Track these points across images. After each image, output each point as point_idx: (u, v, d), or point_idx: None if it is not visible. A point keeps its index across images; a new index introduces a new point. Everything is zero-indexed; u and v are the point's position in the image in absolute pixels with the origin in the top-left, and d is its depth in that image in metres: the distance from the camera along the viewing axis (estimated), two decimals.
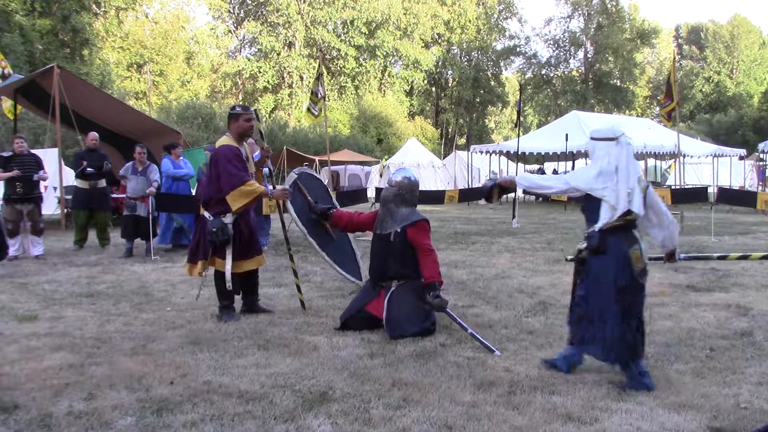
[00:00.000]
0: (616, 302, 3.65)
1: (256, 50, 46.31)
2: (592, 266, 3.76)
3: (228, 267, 5.20)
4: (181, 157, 10.35)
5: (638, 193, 3.70)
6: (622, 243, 3.69)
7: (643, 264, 3.72)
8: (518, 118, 17.86)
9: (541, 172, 31.15)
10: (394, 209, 5.12)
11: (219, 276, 5.32)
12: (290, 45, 44.83)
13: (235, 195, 5.07)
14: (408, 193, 5.18)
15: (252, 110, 5.46)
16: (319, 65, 12.55)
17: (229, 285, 5.23)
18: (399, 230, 5.05)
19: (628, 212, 3.67)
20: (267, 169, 5.80)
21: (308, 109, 12.91)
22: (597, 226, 3.71)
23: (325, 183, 6.64)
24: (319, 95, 11.98)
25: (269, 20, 44.51)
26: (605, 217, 3.69)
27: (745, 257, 4.71)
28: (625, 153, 3.74)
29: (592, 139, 3.86)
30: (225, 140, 5.31)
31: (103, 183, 9.95)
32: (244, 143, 5.44)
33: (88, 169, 9.65)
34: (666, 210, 3.96)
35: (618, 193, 3.67)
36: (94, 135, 10.14)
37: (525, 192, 3.55)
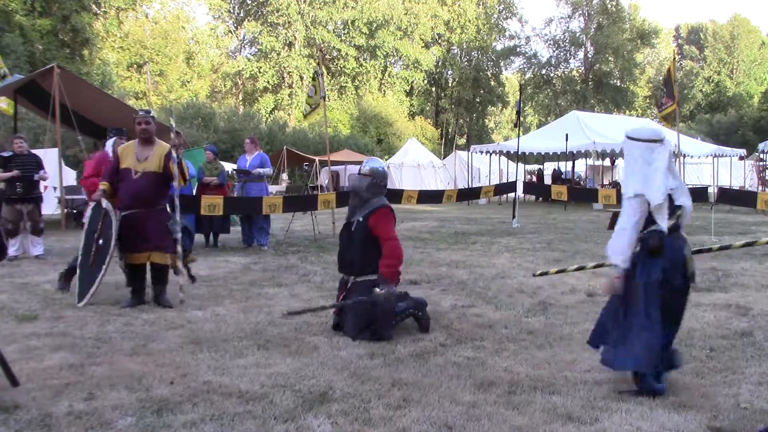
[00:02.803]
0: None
1: (256, 50, 46.30)
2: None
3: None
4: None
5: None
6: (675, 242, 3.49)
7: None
8: (518, 118, 17.84)
9: (541, 172, 31.14)
10: (367, 197, 4.82)
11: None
12: (290, 45, 44.84)
13: None
14: (382, 180, 4.91)
15: (143, 112, 6.08)
16: (318, 64, 12.55)
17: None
18: (361, 219, 4.77)
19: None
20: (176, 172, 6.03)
21: (306, 112, 13.06)
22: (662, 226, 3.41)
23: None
24: (314, 95, 12.02)
25: (269, 20, 44.50)
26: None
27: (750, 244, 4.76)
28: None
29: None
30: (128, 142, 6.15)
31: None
32: (158, 145, 6.06)
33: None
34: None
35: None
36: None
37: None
